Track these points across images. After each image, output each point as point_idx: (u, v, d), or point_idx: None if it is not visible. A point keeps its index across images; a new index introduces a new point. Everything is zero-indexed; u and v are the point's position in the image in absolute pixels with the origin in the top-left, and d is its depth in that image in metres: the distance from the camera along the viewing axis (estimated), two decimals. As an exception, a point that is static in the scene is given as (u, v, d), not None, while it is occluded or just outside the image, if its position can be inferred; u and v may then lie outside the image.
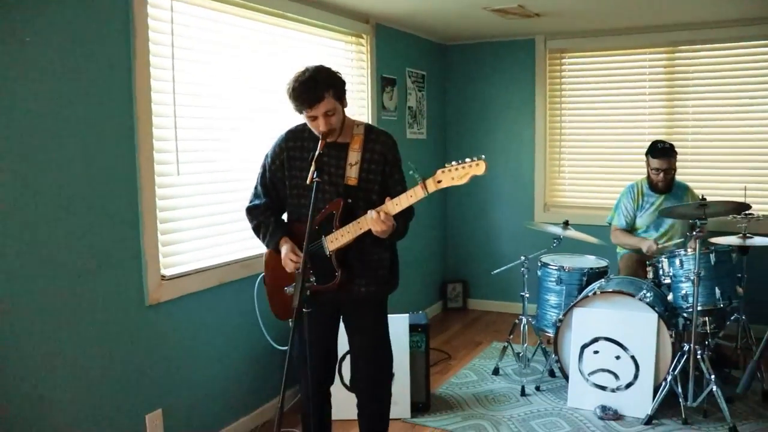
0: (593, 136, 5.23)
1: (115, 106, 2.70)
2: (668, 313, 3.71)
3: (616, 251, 4.53)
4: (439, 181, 2.37)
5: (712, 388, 3.40)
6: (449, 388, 4.05)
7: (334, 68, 2.57)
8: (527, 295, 4.05)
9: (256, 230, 2.74)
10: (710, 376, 3.43)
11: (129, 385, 2.83)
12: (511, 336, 4.16)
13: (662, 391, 3.49)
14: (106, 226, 2.68)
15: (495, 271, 4.24)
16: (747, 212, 3.65)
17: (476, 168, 2.32)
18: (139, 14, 2.75)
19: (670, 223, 4.24)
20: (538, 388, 3.96)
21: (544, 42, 5.20)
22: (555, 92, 5.30)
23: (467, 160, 2.36)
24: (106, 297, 2.70)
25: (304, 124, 2.61)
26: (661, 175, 4.18)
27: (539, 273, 4.25)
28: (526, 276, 4.03)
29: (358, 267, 2.64)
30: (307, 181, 2.43)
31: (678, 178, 4.35)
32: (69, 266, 2.54)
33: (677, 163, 4.25)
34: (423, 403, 3.71)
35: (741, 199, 3.82)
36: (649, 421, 3.48)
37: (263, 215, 2.73)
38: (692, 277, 3.49)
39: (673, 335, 3.54)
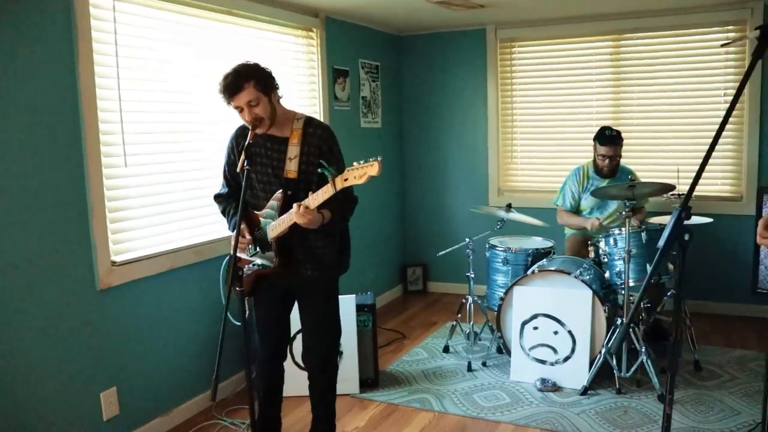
0: (544, 122, 5.42)
1: (61, 101, 2.85)
2: (605, 290, 3.92)
3: (564, 232, 4.74)
4: (345, 179, 2.52)
5: (642, 359, 3.63)
6: (400, 365, 4.25)
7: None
8: (473, 276, 4.25)
9: (223, 214, 2.97)
10: (641, 348, 3.65)
11: (84, 365, 3.00)
12: (459, 315, 4.37)
13: (597, 363, 3.70)
14: (56, 215, 2.84)
15: (440, 253, 4.45)
16: (673, 193, 3.86)
17: (371, 168, 2.46)
18: (81, 12, 2.90)
19: (614, 205, 4.44)
20: (484, 364, 4.17)
21: (495, 31, 5.38)
22: (506, 80, 5.48)
23: (368, 160, 2.50)
24: (58, 282, 2.87)
25: None
26: (607, 161, 4.37)
27: (487, 254, 4.45)
28: (471, 257, 4.23)
29: (302, 253, 2.82)
30: (237, 169, 2.61)
31: (622, 162, 4.55)
32: (21, 253, 2.70)
33: (622, 149, 4.45)
34: (371, 379, 3.91)
35: (674, 181, 4.03)
36: (584, 391, 3.69)
37: (227, 202, 2.94)
38: (624, 255, 3.71)
39: (607, 310, 3.75)
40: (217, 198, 2.99)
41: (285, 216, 2.69)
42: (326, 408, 3.04)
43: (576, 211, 4.55)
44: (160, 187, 3.42)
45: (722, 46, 4.60)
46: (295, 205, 2.60)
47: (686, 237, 1.88)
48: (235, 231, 2.59)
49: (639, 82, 5.04)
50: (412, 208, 6.00)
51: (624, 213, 3.65)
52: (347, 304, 3.82)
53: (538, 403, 3.61)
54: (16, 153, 2.67)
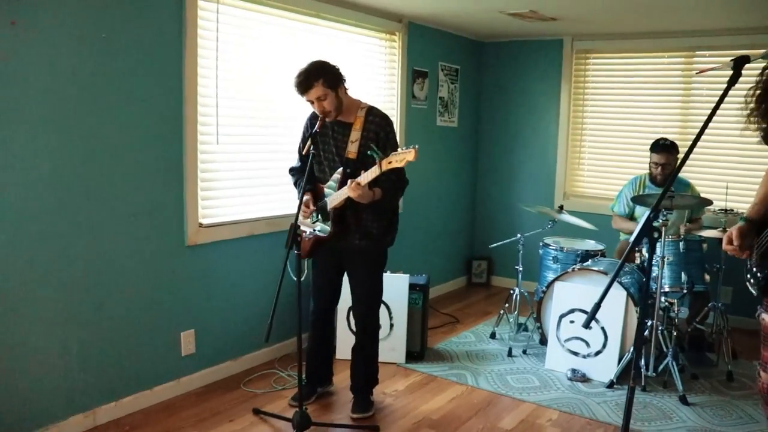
0: (611, 132, 5.64)
1: (168, 87, 3.47)
2: (640, 293, 4.16)
3: (619, 237, 4.98)
4: (390, 162, 2.98)
5: (668, 361, 3.87)
6: (447, 345, 4.66)
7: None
8: (521, 269, 4.60)
9: (295, 185, 3.51)
10: (667, 350, 3.89)
11: (168, 308, 3.62)
12: (507, 305, 4.72)
13: (624, 359, 3.97)
14: (157, 181, 3.47)
15: (492, 245, 4.82)
16: (722, 208, 4.05)
17: (409, 154, 2.91)
18: (191, 12, 3.52)
19: (670, 215, 4.63)
20: (524, 352, 4.50)
21: (571, 43, 5.65)
22: (579, 90, 5.74)
23: (407, 147, 2.94)
24: (153, 236, 3.50)
25: None
26: (659, 168, 4.57)
27: (540, 252, 4.79)
28: (521, 252, 4.58)
29: (354, 224, 3.31)
30: (303, 152, 3.14)
31: (683, 175, 4.73)
32: (125, 209, 3.34)
33: (682, 161, 4.61)
34: (417, 352, 4.34)
35: (723, 197, 4.22)
36: (610, 385, 3.97)
37: (299, 175, 3.47)
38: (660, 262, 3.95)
39: (638, 312, 4.00)
40: (291, 171, 3.53)
41: (342, 190, 3.18)
42: (365, 363, 3.52)
43: (630, 217, 4.78)
44: (244, 164, 4.00)
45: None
46: (349, 181, 3.08)
47: (655, 235, 2.22)
48: (299, 202, 3.13)
49: (707, 99, 5.16)
50: (482, 204, 6.36)
51: (660, 222, 3.89)
52: (401, 282, 4.28)
53: (564, 390, 3.93)
54: (128, 127, 3.31)
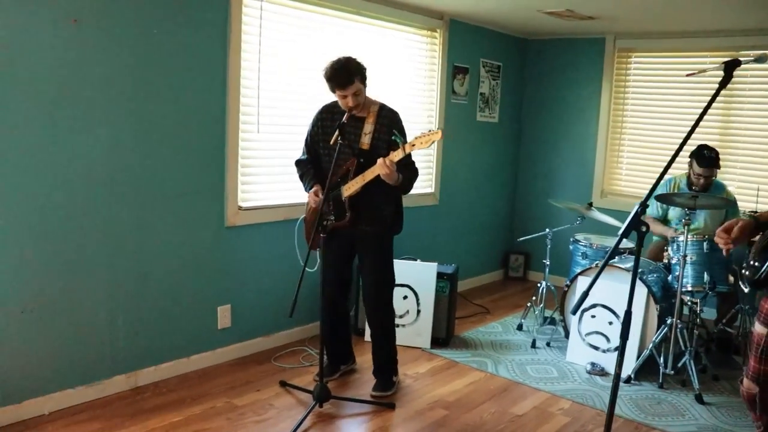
0: (651, 131, 5.69)
1: (213, 79, 3.78)
2: (664, 292, 4.26)
3: (653, 238, 5.05)
4: (413, 145, 3.20)
5: (686, 360, 3.97)
6: (474, 334, 4.86)
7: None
8: (548, 263, 4.76)
9: (301, 178, 3.73)
10: (685, 348, 3.99)
11: (208, 283, 3.95)
12: (534, 298, 4.89)
13: (643, 356, 4.09)
14: (201, 166, 3.79)
15: (521, 239, 4.98)
16: (748, 210, 4.10)
17: (435, 135, 3.13)
18: (236, 9, 3.82)
19: (702, 218, 4.68)
20: (548, 344, 4.66)
21: (613, 41, 5.73)
22: (620, 88, 5.82)
23: (431, 130, 3.16)
24: (196, 215, 3.82)
25: (335, 102, 3.55)
26: (702, 180, 4.56)
27: (571, 248, 4.93)
28: (549, 246, 4.73)
29: (366, 212, 3.55)
30: (331, 143, 3.40)
31: (720, 177, 4.76)
32: (171, 190, 3.67)
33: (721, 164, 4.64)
34: (443, 338, 4.56)
35: (753, 200, 4.27)
36: (628, 380, 4.09)
37: (306, 167, 3.70)
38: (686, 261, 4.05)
39: (659, 309, 4.11)
40: (298, 163, 3.73)
41: (359, 177, 3.42)
42: (380, 343, 3.75)
43: (664, 220, 4.84)
44: (283, 152, 4.28)
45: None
46: (380, 160, 3.28)
47: (643, 229, 2.39)
48: (325, 193, 3.38)
49: (750, 101, 5.16)
50: (522, 199, 6.51)
51: (683, 220, 3.98)
52: (429, 270, 4.51)
53: (581, 382, 4.08)
54: (175, 113, 3.63)
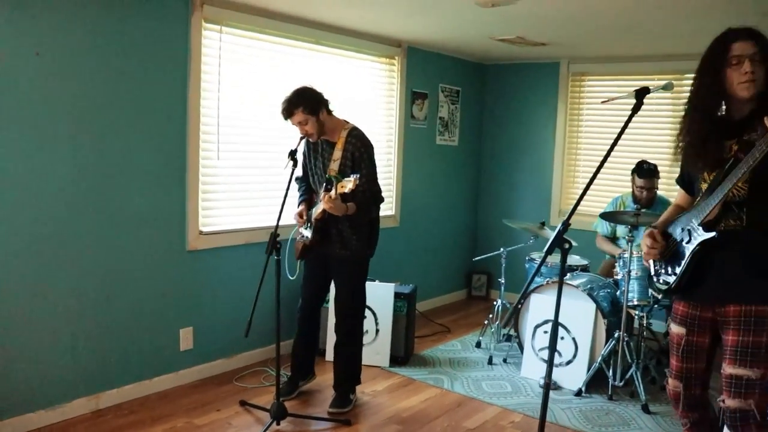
0: (605, 151, 5.94)
1: (174, 107, 3.97)
2: (612, 307, 4.50)
3: (605, 255, 5.31)
4: (342, 186, 3.42)
5: (632, 372, 4.19)
6: (433, 352, 5.06)
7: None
8: (503, 282, 4.98)
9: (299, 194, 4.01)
10: (632, 360, 4.22)
11: (170, 306, 4.11)
12: (491, 316, 5.10)
13: (592, 369, 4.31)
14: (161, 191, 3.97)
15: (476, 258, 5.20)
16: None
17: (351, 183, 3.36)
18: (195, 39, 4.03)
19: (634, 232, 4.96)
20: (505, 360, 4.87)
21: (567, 65, 6.03)
22: (575, 110, 6.10)
23: (351, 176, 3.40)
24: (157, 240, 3.99)
25: None
26: (644, 192, 4.89)
27: (526, 266, 5.16)
28: (504, 265, 4.96)
29: (335, 235, 3.76)
30: (284, 168, 3.61)
31: (665, 194, 5.05)
32: (132, 215, 3.84)
33: (664, 181, 4.96)
34: (401, 357, 4.75)
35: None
36: (579, 393, 4.30)
37: (300, 184, 4.01)
38: (630, 276, 4.29)
39: (606, 324, 4.33)
40: (296, 179, 4.03)
41: (320, 202, 3.64)
42: (344, 362, 3.95)
43: (612, 237, 5.11)
44: (243, 178, 4.48)
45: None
46: (323, 194, 3.54)
47: (566, 246, 2.61)
48: (279, 210, 3.59)
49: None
50: (483, 219, 6.75)
51: (627, 237, 4.23)
52: (387, 291, 4.71)
53: (533, 396, 4.28)
54: (137, 141, 3.82)
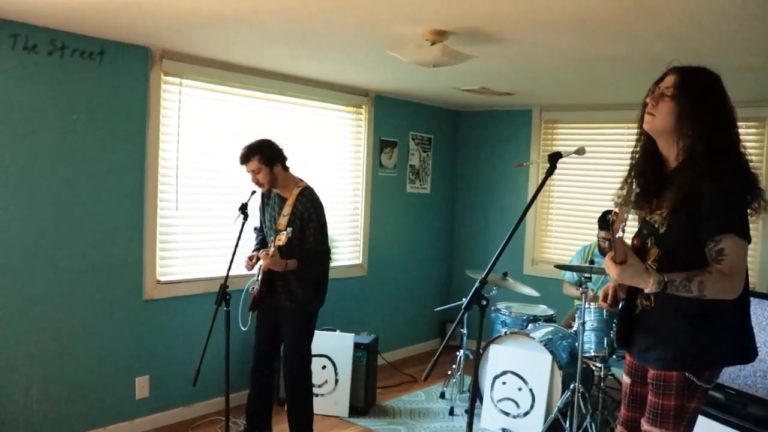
0: (577, 200, 6.24)
1: (132, 157, 4.28)
2: (570, 358, 4.71)
3: (573, 304, 5.53)
4: (279, 240, 3.71)
5: (586, 423, 4.39)
6: (396, 402, 5.26)
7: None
8: (465, 332, 5.21)
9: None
10: (586, 411, 4.41)
11: (126, 354, 4.36)
12: (454, 366, 5.31)
13: (549, 420, 4.50)
14: (119, 240, 4.26)
15: (437, 309, 5.44)
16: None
17: (284, 237, 3.71)
18: (154, 90, 4.35)
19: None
20: (466, 411, 5.06)
21: (539, 113, 6.34)
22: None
23: (287, 230, 3.73)
24: (114, 289, 4.26)
25: None
26: (607, 243, 5.12)
27: (492, 316, 5.39)
28: (466, 315, 5.17)
29: (282, 287, 4.02)
30: (233, 221, 3.89)
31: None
32: (88, 265, 4.12)
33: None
34: (361, 407, 4.96)
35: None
36: (535, 444, 4.50)
37: (258, 234, 4.31)
38: (586, 327, 4.51)
39: (562, 375, 4.54)
40: (255, 229, 4.35)
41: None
42: (295, 413, 4.16)
43: (579, 284, 5.34)
44: (201, 228, 4.76)
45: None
46: (262, 252, 3.81)
47: (483, 302, 2.86)
48: (231, 260, 3.88)
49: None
50: (458, 267, 6.99)
51: (581, 290, 4.47)
52: (346, 341, 4.95)
53: (490, 447, 4.49)
54: (95, 193, 4.12)
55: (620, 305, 2.86)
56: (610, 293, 2.91)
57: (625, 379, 2.87)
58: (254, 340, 4.29)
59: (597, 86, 5.12)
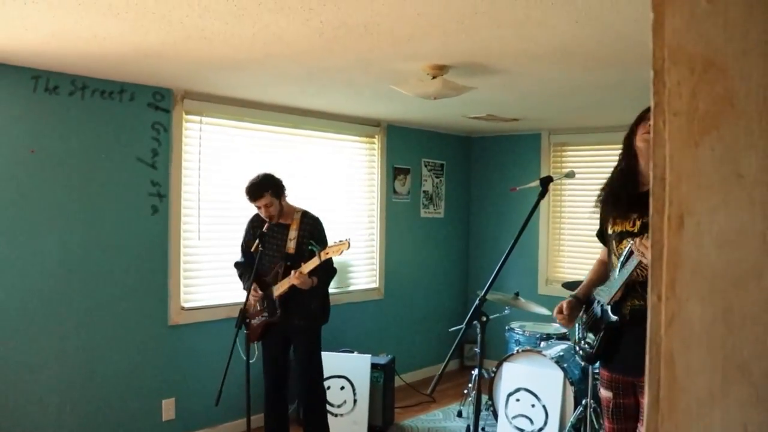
0: (589, 221, 6.46)
1: (156, 191, 4.64)
2: (582, 375, 4.93)
3: (587, 323, 5.75)
4: (327, 253, 3.99)
5: (599, 437, 4.60)
6: (414, 421, 5.51)
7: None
8: (479, 351, 5.43)
9: (240, 278, 4.55)
10: (598, 427, 4.61)
11: (152, 377, 4.67)
12: (470, 385, 5.55)
13: (561, 436, 4.72)
14: (144, 270, 4.60)
15: (452, 329, 5.68)
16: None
17: (344, 246, 3.93)
18: (177, 128, 4.71)
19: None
20: (483, 429, 5.29)
21: (548, 136, 6.62)
22: (558, 181, 6.65)
23: (342, 240, 3.97)
24: (141, 316, 4.59)
25: None
26: None
27: (506, 335, 5.63)
28: (479, 336, 5.41)
29: (296, 307, 4.31)
30: (252, 250, 4.20)
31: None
32: (118, 292, 4.46)
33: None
34: (379, 426, 5.21)
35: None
36: (549, 459, 4.72)
37: (243, 268, 4.52)
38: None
39: (574, 391, 4.76)
40: (236, 265, 4.57)
41: (286, 279, 4.20)
42: (311, 426, 4.42)
43: (590, 304, 5.57)
44: (223, 256, 5.08)
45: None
46: (293, 271, 4.10)
47: (483, 319, 3.12)
48: (247, 291, 4.17)
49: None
50: (474, 290, 7.23)
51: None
52: (363, 362, 5.21)
53: (504, 463, 4.71)
54: (123, 226, 4.47)
55: (576, 324, 3.04)
56: (565, 307, 3.12)
57: (605, 394, 3.01)
58: (263, 369, 4.49)
59: (600, 109, 5.39)
